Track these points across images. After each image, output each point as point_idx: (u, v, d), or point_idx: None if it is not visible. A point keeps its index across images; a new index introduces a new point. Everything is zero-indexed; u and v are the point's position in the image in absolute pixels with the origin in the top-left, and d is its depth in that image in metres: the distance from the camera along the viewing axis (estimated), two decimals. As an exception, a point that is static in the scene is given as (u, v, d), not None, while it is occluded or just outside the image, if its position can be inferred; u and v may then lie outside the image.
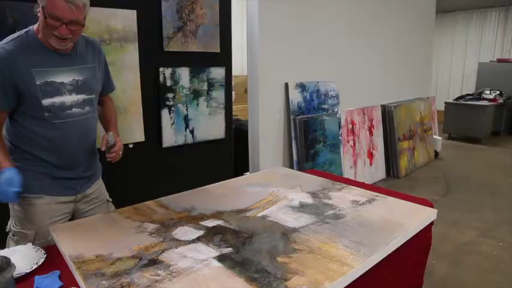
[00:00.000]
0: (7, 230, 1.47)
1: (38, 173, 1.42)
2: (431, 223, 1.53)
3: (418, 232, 1.41)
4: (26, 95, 1.33)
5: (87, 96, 1.46)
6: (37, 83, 1.33)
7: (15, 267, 0.97)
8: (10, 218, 1.46)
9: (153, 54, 2.35)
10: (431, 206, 1.60)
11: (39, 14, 1.30)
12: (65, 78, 1.39)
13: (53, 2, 1.24)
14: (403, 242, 1.30)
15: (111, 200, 1.70)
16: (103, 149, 1.46)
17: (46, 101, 1.35)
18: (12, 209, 1.45)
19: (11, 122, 1.40)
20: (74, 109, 1.42)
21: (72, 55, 1.42)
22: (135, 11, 2.24)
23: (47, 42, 1.33)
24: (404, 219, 1.40)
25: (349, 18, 4.07)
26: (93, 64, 1.50)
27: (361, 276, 1.10)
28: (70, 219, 1.51)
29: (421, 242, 1.49)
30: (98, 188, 1.62)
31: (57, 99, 1.37)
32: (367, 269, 1.12)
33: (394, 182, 4.62)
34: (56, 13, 1.25)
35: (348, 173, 4.04)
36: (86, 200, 1.56)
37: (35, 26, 1.37)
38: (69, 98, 1.40)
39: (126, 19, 2.21)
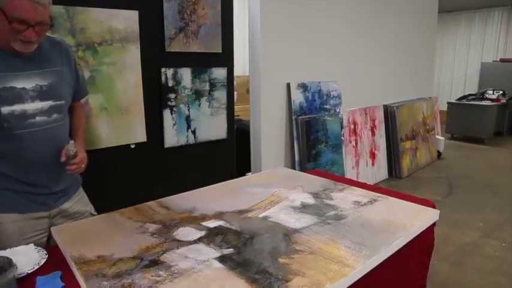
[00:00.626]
0: None
1: (5, 189, 1.30)
2: (434, 224, 1.53)
3: (420, 233, 1.40)
4: None
5: (54, 102, 1.33)
6: None
7: (16, 267, 0.97)
8: None
9: (155, 54, 2.35)
10: (434, 207, 1.59)
11: None
12: (26, 83, 1.26)
13: (19, 4, 1.12)
14: (405, 243, 1.29)
15: (96, 214, 1.56)
16: (63, 159, 1.33)
17: (5, 109, 1.21)
18: None
19: None
20: (37, 117, 1.29)
21: (34, 58, 1.29)
22: (137, 11, 2.24)
23: (7, 46, 1.21)
24: (406, 220, 1.40)
25: (351, 18, 4.06)
26: (60, 67, 1.37)
27: (363, 277, 1.09)
28: (48, 236, 1.39)
29: (423, 243, 1.48)
30: (78, 200, 1.51)
31: (17, 107, 1.24)
32: (368, 270, 1.12)
33: (396, 182, 4.61)
34: (21, 16, 1.13)
35: (350, 174, 4.04)
36: (64, 214, 1.44)
37: None
38: (32, 106, 1.27)
39: (127, 20, 2.22)
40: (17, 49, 1.21)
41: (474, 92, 7.70)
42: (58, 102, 1.35)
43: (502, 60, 7.82)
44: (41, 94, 1.29)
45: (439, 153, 5.72)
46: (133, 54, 2.24)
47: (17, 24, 1.14)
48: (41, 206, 1.37)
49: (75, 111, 1.54)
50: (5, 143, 1.26)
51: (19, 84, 1.25)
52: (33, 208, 1.35)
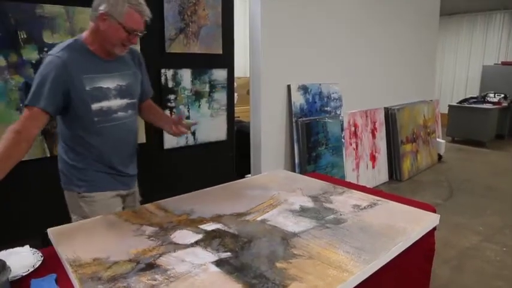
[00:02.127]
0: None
1: (99, 171, 1.53)
2: (434, 228, 1.51)
3: (421, 238, 1.38)
4: (76, 101, 1.41)
5: (129, 100, 1.56)
6: (87, 89, 1.41)
7: (10, 270, 0.96)
8: (71, 214, 1.56)
9: (155, 55, 2.35)
10: (434, 211, 1.57)
11: (105, 27, 1.39)
12: (110, 83, 1.48)
13: (133, 18, 1.39)
14: (405, 248, 1.28)
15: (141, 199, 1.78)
16: (180, 121, 1.62)
17: (95, 106, 1.44)
18: (74, 206, 1.55)
19: (66, 127, 1.50)
20: (119, 113, 1.51)
21: (116, 62, 1.51)
22: (137, 12, 2.23)
23: (100, 51, 1.45)
24: (407, 224, 1.38)
25: (352, 20, 4.05)
26: (134, 70, 1.60)
27: (362, 283, 1.08)
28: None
29: (423, 247, 1.47)
30: (137, 190, 1.75)
31: (104, 104, 1.46)
32: (367, 275, 1.10)
33: (396, 185, 4.59)
34: (134, 27, 1.40)
35: (350, 176, 4.02)
36: (132, 197, 1.69)
37: (84, 36, 1.46)
38: (114, 103, 1.49)
39: (128, 20, 2.21)
40: (117, 53, 1.45)
41: (475, 95, 7.67)
42: (132, 100, 1.58)
43: (504, 64, 7.79)
44: (120, 92, 1.51)
45: (440, 156, 5.70)
46: (133, 54, 2.23)
47: (128, 34, 1.40)
48: (123, 186, 1.62)
49: (151, 107, 1.77)
50: (93, 136, 1.48)
51: (105, 84, 1.47)
52: (119, 187, 1.60)
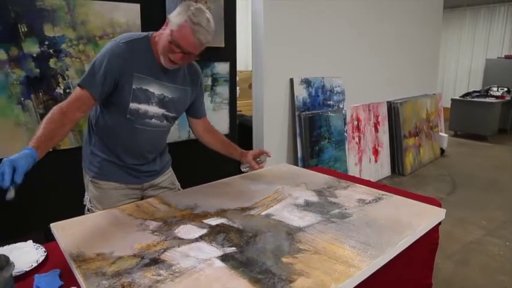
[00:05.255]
0: (84, 203, 1.61)
1: (109, 162, 1.54)
2: (439, 223, 1.50)
3: (426, 232, 1.37)
4: (119, 93, 1.39)
5: (168, 112, 1.52)
6: (133, 86, 1.39)
7: (14, 265, 0.95)
8: (85, 193, 1.61)
9: (157, 48, 2.32)
10: (439, 205, 1.56)
11: (163, 31, 1.37)
12: (156, 90, 1.45)
13: (183, 32, 1.30)
14: (411, 242, 1.27)
15: (181, 190, 1.77)
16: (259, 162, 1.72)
17: (133, 105, 1.41)
18: (86, 186, 1.60)
19: (98, 110, 1.50)
20: (153, 120, 1.49)
21: (172, 73, 1.47)
22: (139, 4, 2.21)
23: (158, 57, 1.40)
24: (412, 219, 1.37)
25: (355, 13, 4.01)
26: (188, 87, 1.56)
27: (368, 277, 1.07)
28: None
29: (428, 242, 1.45)
30: (167, 178, 1.73)
31: (143, 107, 1.44)
32: (374, 270, 1.09)
33: (399, 179, 4.58)
34: (180, 42, 1.31)
35: (352, 170, 4.01)
36: (155, 188, 1.68)
37: (155, 35, 1.42)
38: (153, 109, 1.47)
39: (129, 13, 2.19)
40: (162, 63, 1.39)
41: (478, 89, 7.63)
42: (171, 114, 1.54)
43: (507, 57, 7.74)
44: (162, 102, 1.48)
45: (443, 151, 5.68)
46: (135, 48, 2.21)
47: (172, 46, 1.32)
48: (134, 179, 1.60)
49: (212, 132, 1.77)
50: (121, 129, 1.47)
51: (151, 88, 1.43)
52: (128, 180, 1.58)
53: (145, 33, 1.44)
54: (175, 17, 1.32)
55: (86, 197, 1.61)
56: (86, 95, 1.33)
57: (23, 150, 1.08)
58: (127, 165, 1.56)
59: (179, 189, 1.76)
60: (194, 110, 1.67)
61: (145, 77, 1.41)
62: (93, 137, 1.55)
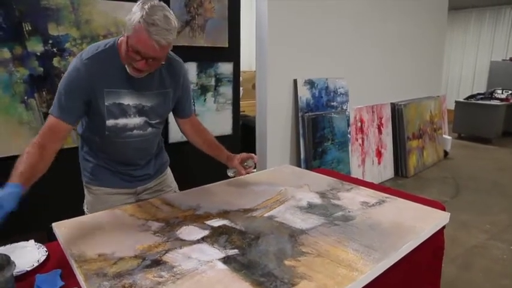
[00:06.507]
0: (83, 208, 1.61)
1: (101, 167, 1.51)
2: (443, 226, 1.48)
3: (430, 236, 1.36)
4: (93, 111, 1.34)
5: (150, 120, 1.44)
6: (105, 103, 1.32)
7: (15, 265, 0.94)
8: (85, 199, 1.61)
9: (161, 48, 2.32)
10: (443, 209, 1.54)
11: (122, 38, 1.27)
12: (132, 101, 1.36)
13: (138, 36, 1.16)
14: (415, 246, 1.25)
15: (177, 191, 1.73)
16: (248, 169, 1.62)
17: (110, 122, 1.35)
18: (84, 190, 1.59)
19: (86, 126, 1.47)
20: (134, 131, 1.42)
21: (147, 79, 1.35)
22: (143, 4, 2.20)
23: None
24: (416, 222, 1.36)
25: (359, 15, 4.00)
26: (167, 89, 1.44)
27: (371, 281, 1.06)
28: None
29: (432, 246, 1.44)
30: (163, 180, 1.68)
31: (120, 121, 1.37)
32: (377, 274, 1.08)
33: (402, 181, 4.56)
34: (138, 47, 1.18)
35: (355, 172, 3.99)
36: (149, 191, 1.63)
37: (119, 41, 1.31)
38: (132, 121, 1.39)
39: (133, 12, 2.18)
40: (128, 72, 1.29)
41: (483, 91, 7.58)
42: (154, 121, 1.46)
43: (512, 60, 7.70)
44: (141, 112, 1.40)
45: (446, 153, 5.65)
46: (139, 47, 2.21)
47: (132, 53, 1.20)
48: (127, 183, 1.56)
49: (199, 131, 1.67)
50: (105, 144, 1.44)
51: (126, 101, 1.35)
52: (121, 185, 1.54)
53: (112, 41, 1.33)
54: (129, 20, 1.18)
55: (84, 201, 1.61)
56: (58, 124, 1.27)
57: (9, 189, 1.04)
58: (119, 170, 1.52)
59: (175, 192, 1.72)
60: (180, 110, 1.58)
61: (117, 90, 1.32)
62: (84, 144, 1.54)
